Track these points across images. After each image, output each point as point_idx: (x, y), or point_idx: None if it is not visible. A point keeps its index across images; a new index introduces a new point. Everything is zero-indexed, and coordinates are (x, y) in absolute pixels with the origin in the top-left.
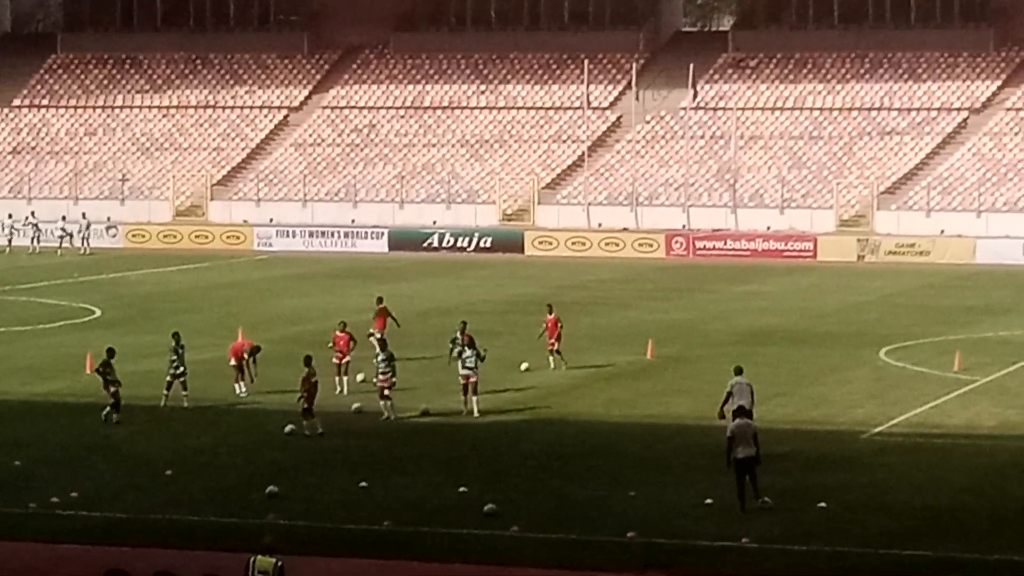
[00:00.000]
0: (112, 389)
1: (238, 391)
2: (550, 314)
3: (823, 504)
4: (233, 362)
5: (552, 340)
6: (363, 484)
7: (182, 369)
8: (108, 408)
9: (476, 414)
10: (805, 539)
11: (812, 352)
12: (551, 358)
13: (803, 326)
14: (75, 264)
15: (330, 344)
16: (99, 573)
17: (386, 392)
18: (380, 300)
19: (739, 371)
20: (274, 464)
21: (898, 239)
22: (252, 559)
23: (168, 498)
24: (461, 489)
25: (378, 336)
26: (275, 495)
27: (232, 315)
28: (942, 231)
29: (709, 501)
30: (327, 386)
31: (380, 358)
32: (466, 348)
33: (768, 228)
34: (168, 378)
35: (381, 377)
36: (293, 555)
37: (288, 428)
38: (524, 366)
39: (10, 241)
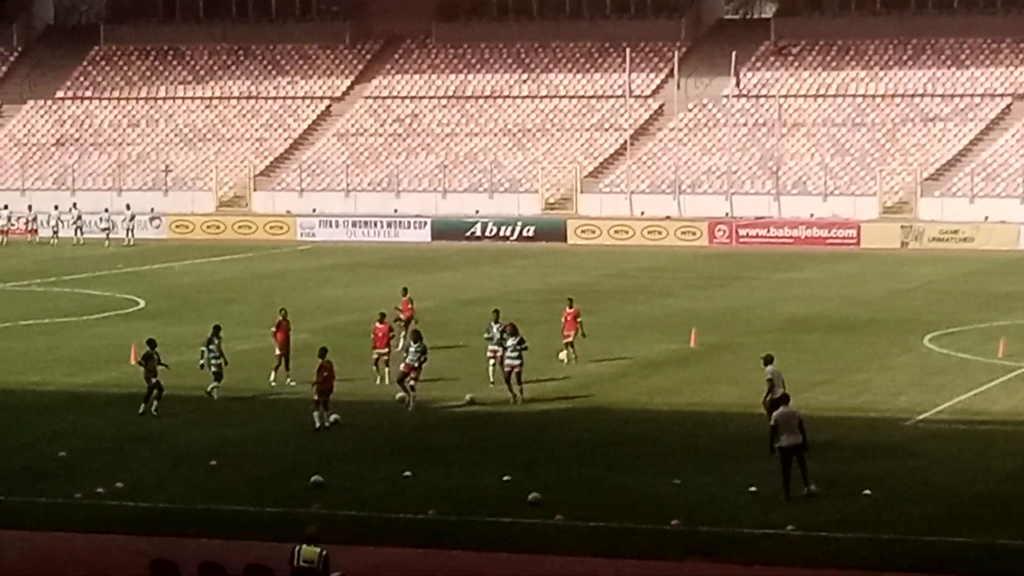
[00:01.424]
0: (154, 380)
1: (272, 379)
2: (569, 308)
3: (868, 491)
4: (278, 351)
5: (568, 333)
6: (407, 473)
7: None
8: (153, 400)
9: (520, 401)
10: (850, 527)
11: (855, 339)
12: (565, 351)
13: (846, 313)
14: (119, 255)
15: (371, 335)
16: (145, 563)
17: (410, 380)
18: (405, 291)
19: (770, 360)
20: (318, 454)
21: (942, 225)
22: (297, 549)
23: (213, 488)
24: (505, 478)
25: (406, 324)
26: (320, 485)
27: (275, 305)
28: (986, 217)
29: (753, 489)
30: (370, 376)
31: (413, 348)
32: (510, 337)
33: (811, 215)
34: (213, 369)
35: (406, 364)
36: (338, 544)
37: (332, 417)
38: (562, 355)
39: (55, 232)
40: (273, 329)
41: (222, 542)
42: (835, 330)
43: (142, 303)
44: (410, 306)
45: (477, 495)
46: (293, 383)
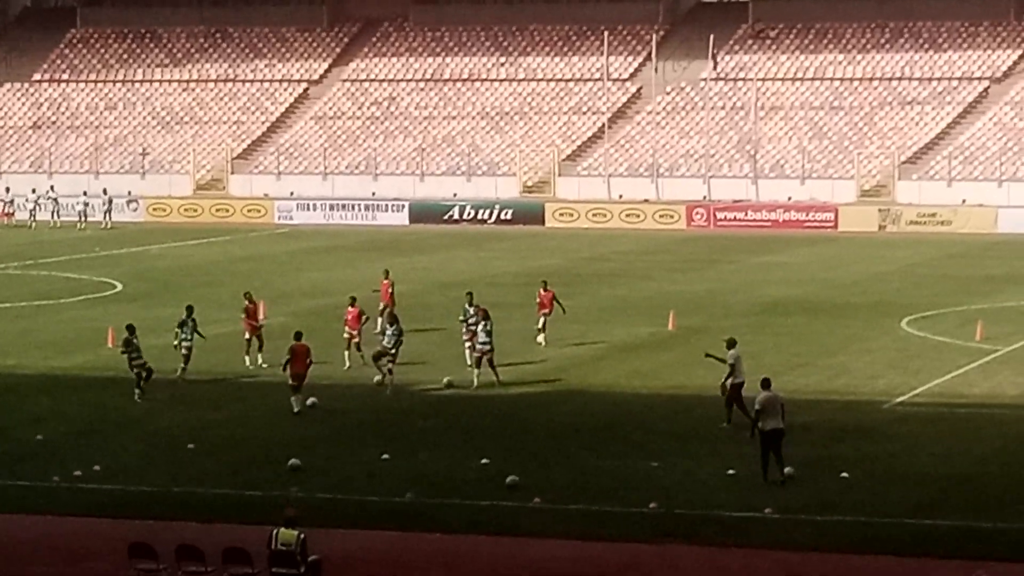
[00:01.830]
0: (135, 369)
1: (247, 362)
2: (544, 290)
3: (845, 474)
4: (247, 335)
5: (541, 315)
6: (385, 456)
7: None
8: (136, 386)
9: (497, 384)
10: (828, 509)
11: (833, 322)
12: (542, 333)
13: (824, 296)
14: (96, 238)
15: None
16: (122, 546)
17: (387, 363)
18: (387, 273)
19: (733, 343)
20: (296, 437)
21: (919, 209)
22: (275, 532)
23: (191, 472)
24: (483, 461)
25: (384, 309)
26: (298, 468)
27: (253, 288)
28: (963, 201)
29: (731, 471)
30: (339, 360)
31: (389, 331)
32: (481, 321)
33: (789, 199)
34: (183, 351)
35: (382, 346)
36: (316, 528)
37: (310, 401)
38: (540, 338)
39: (32, 215)
40: (244, 316)
41: (200, 525)
42: (813, 313)
43: (119, 286)
44: (390, 290)
45: (455, 478)
46: (265, 365)
